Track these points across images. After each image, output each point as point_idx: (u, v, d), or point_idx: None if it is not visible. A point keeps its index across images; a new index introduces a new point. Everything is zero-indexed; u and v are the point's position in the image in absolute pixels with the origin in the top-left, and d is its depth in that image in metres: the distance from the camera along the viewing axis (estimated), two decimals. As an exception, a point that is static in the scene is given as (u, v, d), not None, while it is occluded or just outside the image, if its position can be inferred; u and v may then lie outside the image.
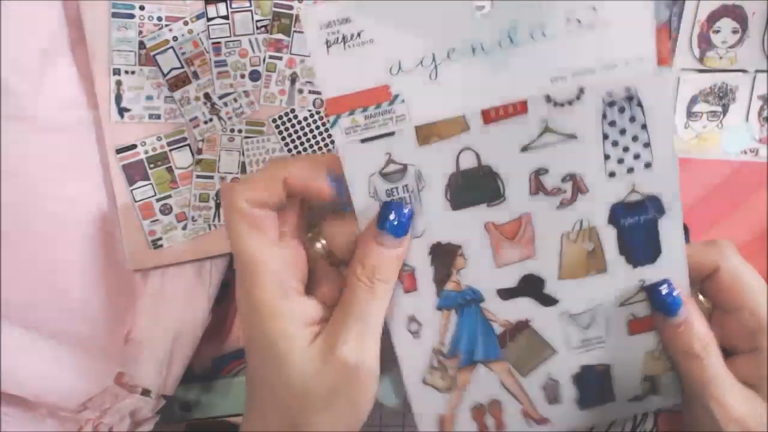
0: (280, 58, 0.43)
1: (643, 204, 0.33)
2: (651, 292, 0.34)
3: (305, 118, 0.43)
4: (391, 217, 0.31)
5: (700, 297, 0.36)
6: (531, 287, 0.34)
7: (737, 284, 0.33)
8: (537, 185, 0.32)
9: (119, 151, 0.42)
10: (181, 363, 0.44)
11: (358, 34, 0.30)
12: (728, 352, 0.35)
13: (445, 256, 0.33)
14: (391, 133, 0.31)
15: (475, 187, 0.32)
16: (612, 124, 0.32)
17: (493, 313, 0.34)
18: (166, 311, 0.43)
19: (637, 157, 0.32)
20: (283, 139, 0.43)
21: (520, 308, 0.34)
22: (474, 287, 0.34)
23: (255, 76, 0.42)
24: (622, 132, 0.32)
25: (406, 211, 0.32)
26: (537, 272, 0.34)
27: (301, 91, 0.43)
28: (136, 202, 0.42)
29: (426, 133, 0.31)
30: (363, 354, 0.31)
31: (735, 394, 0.33)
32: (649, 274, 0.34)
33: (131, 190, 0.42)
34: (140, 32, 0.41)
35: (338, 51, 0.30)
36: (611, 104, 0.31)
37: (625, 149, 0.32)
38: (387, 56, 0.30)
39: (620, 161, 0.32)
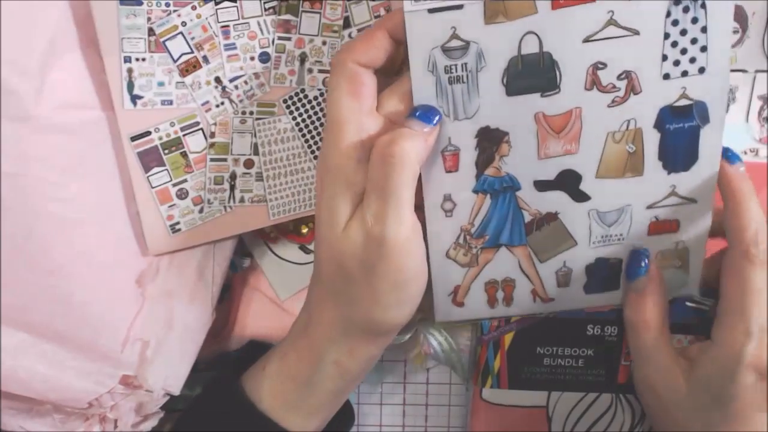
0: (289, 39, 0.43)
1: (690, 110, 0.33)
2: (630, 256, 0.36)
3: (315, 98, 0.44)
4: (418, 108, 0.32)
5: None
6: (568, 182, 0.35)
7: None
8: (593, 79, 0.32)
9: (133, 138, 0.42)
10: (187, 362, 0.45)
11: None
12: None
13: (491, 141, 0.34)
14: (460, 6, 0.31)
15: (532, 74, 0.32)
16: (675, 23, 0.32)
17: (527, 202, 0.35)
18: (170, 310, 0.44)
19: (693, 60, 0.32)
20: (294, 119, 0.44)
21: (552, 201, 0.35)
22: (513, 175, 0.34)
23: (264, 57, 0.43)
24: (683, 33, 0.32)
25: (433, 114, 0.32)
26: (576, 168, 0.34)
27: (310, 71, 0.43)
28: (152, 188, 0.43)
29: (494, 11, 0.31)
30: (386, 226, 0.32)
31: (659, 371, 0.37)
32: (682, 181, 0.34)
33: (147, 177, 0.43)
34: (149, 19, 0.41)
35: None
36: (677, 2, 0.31)
37: (683, 51, 0.32)
38: None
39: (676, 63, 0.32)
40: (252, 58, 0.43)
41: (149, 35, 0.41)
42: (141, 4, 0.41)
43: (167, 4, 0.41)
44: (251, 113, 0.43)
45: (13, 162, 0.38)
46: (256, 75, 0.43)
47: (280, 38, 0.43)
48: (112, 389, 0.43)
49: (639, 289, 0.37)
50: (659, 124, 0.33)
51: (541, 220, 0.36)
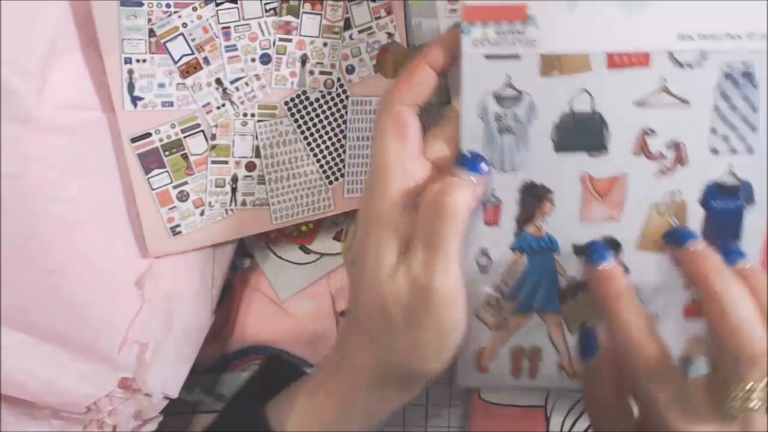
0: (290, 40, 0.43)
1: (736, 189, 0.32)
2: (580, 334, 0.34)
3: (317, 99, 0.44)
4: (468, 156, 0.32)
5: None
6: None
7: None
8: (641, 145, 0.32)
9: (134, 140, 0.42)
10: (185, 364, 0.45)
11: None
12: None
13: (534, 198, 0.33)
14: (516, 56, 0.31)
15: (582, 132, 0.32)
16: (725, 97, 0.31)
17: (563, 267, 0.34)
18: (169, 313, 0.44)
19: (742, 138, 0.32)
20: (296, 121, 0.44)
21: None
22: (553, 236, 0.34)
23: (265, 59, 0.43)
24: (733, 108, 0.31)
25: (483, 164, 0.32)
26: (617, 236, 0.34)
27: (311, 73, 0.43)
28: (153, 190, 0.43)
29: (549, 65, 0.31)
30: (433, 277, 0.31)
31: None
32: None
33: (148, 179, 0.43)
34: (150, 20, 0.41)
35: None
36: (728, 76, 0.31)
37: (733, 128, 0.32)
38: None
39: (725, 139, 0.32)
40: (253, 60, 0.42)
41: (150, 36, 0.41)
42: (141, 5, 0.40)
43: (168, 5, 0.41)
44: (252, 115, 0.43)
45: (14, 162, 0.37)
46: (257, 76, 0.43)
47: (281, 39, 0.43)
48: (111, 393, 0.43)
49: (591, 369, 0.35)
50: (704, 200, 0.33)
51: (576, 288, 0.35)
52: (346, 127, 0.44)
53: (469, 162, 0.32)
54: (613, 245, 0.34)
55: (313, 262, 0.51)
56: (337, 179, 0.45)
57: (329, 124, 0.44)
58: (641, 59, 0.31)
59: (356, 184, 0.45)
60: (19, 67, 0.37)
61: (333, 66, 0.43)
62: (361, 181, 0.45)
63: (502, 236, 0.34)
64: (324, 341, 0.51)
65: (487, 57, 0.31)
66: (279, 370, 0.42)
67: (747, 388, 0.29)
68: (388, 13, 0.44)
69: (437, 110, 0.46)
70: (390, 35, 0.44)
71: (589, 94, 0.31)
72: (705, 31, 0.30)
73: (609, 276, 0.32)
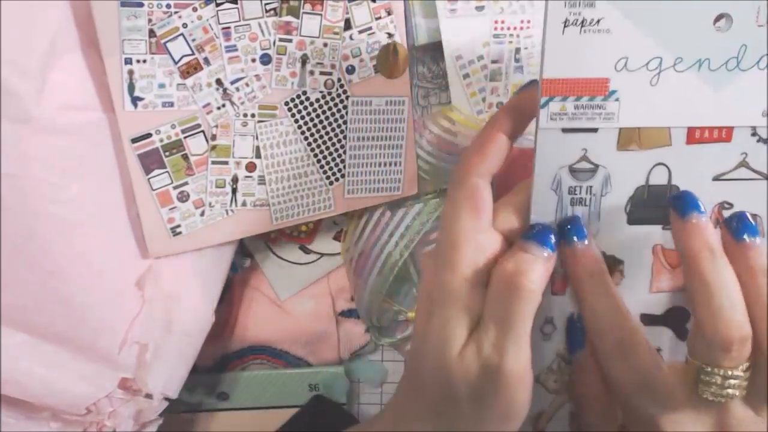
0: (290, 41, 0.43)
1: None
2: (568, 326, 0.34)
3: (317, 100, 0.44)
4: (540, 230, 0.31)
5: None
6: (675, 319, 0.33)
7: None
8: (717, 218, 0.32)
9: (134, 140, 0.42)
10: (185, 365, 0.44)
11: (597, 21, 0.29)
12: None
13: None
14: (595, 130, 0.30)
15: (657, 205, 0.31)
16: None
17: None
18: (169, 313, 0.44)
19: None
20: (296, 121, 0.44)
21: (656, 336, 0.33)
22: None
23: (265, 59, 0.42)
24: None
25: (554, 237, 0.31)
26: (686, 305, 0.33)
27: (312, 73, 0.43)
28: (153, 190, 0.43)
29: (628, 138, 0.31)
30: (505, 358, 0.30)
31: None
32: None
33: (148, 179, 0.43)
34: (150, 20, 0.41)
35: (573, 33, 0.29)
36: None
37: None
38: (617, 50, 0.29)
39: None
40: (253, 60, 0.42)
41: (150, 37, 0.41)
42: (142, 5, 0.40)
43: (168, 6, 0.41)
44: (253, 115, 0.43)
45: (14, 163, 0.38)
46: (258, 77, 0.43)
47: (281, 40, 0.43)
48: (111, 393, 0.43)
49: (580, 361, 0.35)
50: None
51: None
52: (346, 128, 0.44)
53: (541, 236, 0.31)
54: (682, 313, 0.33)
55: (313, 262, 0.51)
56: (337, 180, 0.45)
57: (329, 124, 0.44)
58: (723, 134, 0.30)
59: (356, 185, 0.45)
60: (19, 67, 0.37)
61: (333, 66, 0.43)
62: (361, 182, 0.45)
63: (569, 305, 0.33)
64: (324, 341, 0.51)
65: (564, 131, 0.30)
66: (323, 411, 0.41)
67: (722, 374, 0.29)
68: (389, 13, 0.44)
69: (437, 109, 0.46)
70: (390, 35, 0.44)
71: (667, 168, 0.31)
72: None
73: (582, 253, 0.32)
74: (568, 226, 0.32)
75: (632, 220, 0.32)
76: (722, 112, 0.30)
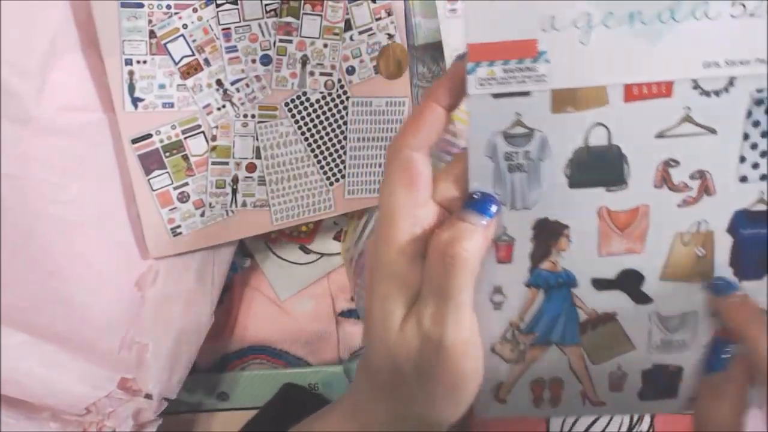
0: (290, 41, 0.43)
1: (767, 216, 0.31)
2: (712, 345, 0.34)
3: (317, 101, 0.44)
4: (477, 199, 0.31)
5: None
6: (629, 282, 0.33)
7: None
8: (663, 176, 0.31)
9: (134, 141, 0.42)
10: (185, 365, 0.44)
11: None
12: None
13: (548, 235, 0.32)
14: (526, 93, 0.29)
15: (598, 167, 0.30)
16: (756, 124, 0.30)
17: (582, 300, 0.33)
18: (169, 314, 0.44)
19: None
20: (297, 122, 0.44)
21: (611, 300, 0.33)
22: (570, 271, 0.33)
23: (266, 60, 0.43)
24: (764, 135, 0.30)
25: (493, 205, 0.31)
26: (639, 268, 0.32)
27: (312, 74, 0.43)
28: (153, 191, 0.43)
29: (561, 100, 0.30)
30: (445, 329, 0.30)
31: None
32: (752, 289, 0.32)
33: (148, 180, 0.43)
34: (150, 21, 0.41)
35: None
36: (759, 102, 0.30)
37: (763, 154, 0.30)
38: (542, 10, 0.28)
39: (755, 166, 0.31)
40: (253, 61, 0.42)
41: (150, 37, 0.41)
42: (142, 6, 0.40)
43: (168, 7, 0.41)
44: (253, 116, 0.43)
45: (14, 163, 0.38)
46: (258, 78, 0.43)
47: (281, 41, 0.43)
48: (110, 393, 0.43)
49: (715, 384, 0.34)
50: (733, 229, 0.31)
51: (597, 320, 0.33)
52: (346, 128, 0.44)
53: (479, 204, 0.31)
54: (635, 277, 0.33)
55: (313, 262, 0.51)
56: (337, 180, 0.45)
57: (330, 125, 0.44)
58: (663, 89, 0.29)
59: (357, 185, 0.45)
60: (19, 68, 0.37)
61: (333, 67, 0.43)
62: (361, 182, 0.45)
63: (517, 273, 0.33)
64: (324, 341, 0.52)
65: (495, 96, 0.30)
66: (295, 398, 0.41)
67: None
68: (389, 14, 0.44)
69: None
70: (390, 36, 0.44)
71: (606, 128, 0.30)
72: (732, 57, 0.29)
73: (743, 303, 0.32)
74: (716, 284, 0.32)
75: (574, 184, 0.31)
76: (660, 66, 0.29)
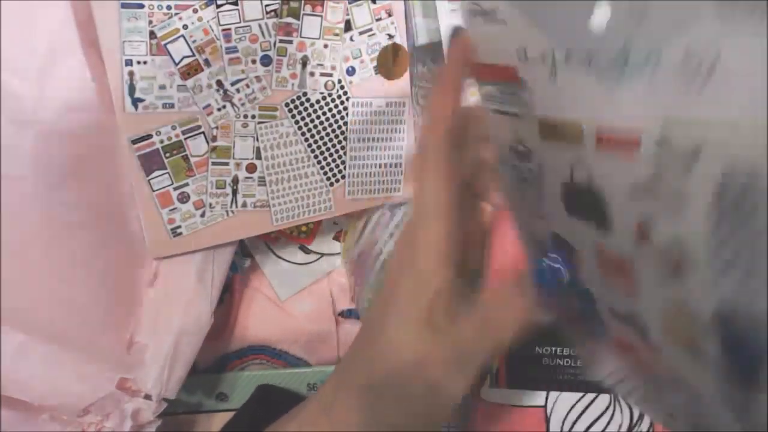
0: (291, 42, 0.43)
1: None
2: None
3: (318, 101, 0.44)
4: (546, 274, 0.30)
5: None
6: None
7: None
8: (641, 235, 0.26)
9: (134, 141, 0.42)
10: (184, 366, 0.44)
11: (494, 12, 0.28)
12: None
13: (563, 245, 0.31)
14: (516, 115, 0.29)
15: (587, 204, 0.28)
16: (723, 217, 0.22)
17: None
18: (169, 315, 0.44)
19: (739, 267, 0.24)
20: (297, 123, 0.44)
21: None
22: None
23: (266, 60, 0.43)
24: (733, 234, 0.22)
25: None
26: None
27: (312, 74, 0.43)
28: (153, 191, 0.43)
29: (546, 129, 0.28)
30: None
31: None
32: None
33: (148, 180, 0.43)
34: (150, 22, 0.41)
35: (479, 23, 0.29)
36: (725, 188, 0.22)
37: (736, 253, 0.23)
38: (516, 40, 0.28)
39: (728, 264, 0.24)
40: (253, 61, 0.42)
41: (150, 38, 0.41)
42: (142, 6, 0.40)
43: (168, 7, 0.41)
44: (253, 117, 0.43)
45: (14, 164, 0.38)
46: (258, 78, 0.43)
47: (281, 41, 0.43)
48: (110, 393, 0.43)
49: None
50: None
51: None
52: (346, 129, 0.44)
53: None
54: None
55: (313, 262, 0.51)
56: (337, 181, 0.45)
57: (330, 125, 0.44)
58: (631, 142, 0.25)
59: (357, 186, 0.45)
60: (19, 68, 0.37)
61: (334, 68, 0.44)
62: (361, 183, 0.45)
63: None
64: (324, 341, 0.52)
65: (495, 112, 0.30)
66: (272, 399, 0.41)
67: None
68: (389, 14, 0.44)
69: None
70: (390, 37, 0.44)
71: (587, 169, 0.27)
72: (692, 116, 0.23)
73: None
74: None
75: (570, 213, 0.29)
76: (624, 114, 0.25)
